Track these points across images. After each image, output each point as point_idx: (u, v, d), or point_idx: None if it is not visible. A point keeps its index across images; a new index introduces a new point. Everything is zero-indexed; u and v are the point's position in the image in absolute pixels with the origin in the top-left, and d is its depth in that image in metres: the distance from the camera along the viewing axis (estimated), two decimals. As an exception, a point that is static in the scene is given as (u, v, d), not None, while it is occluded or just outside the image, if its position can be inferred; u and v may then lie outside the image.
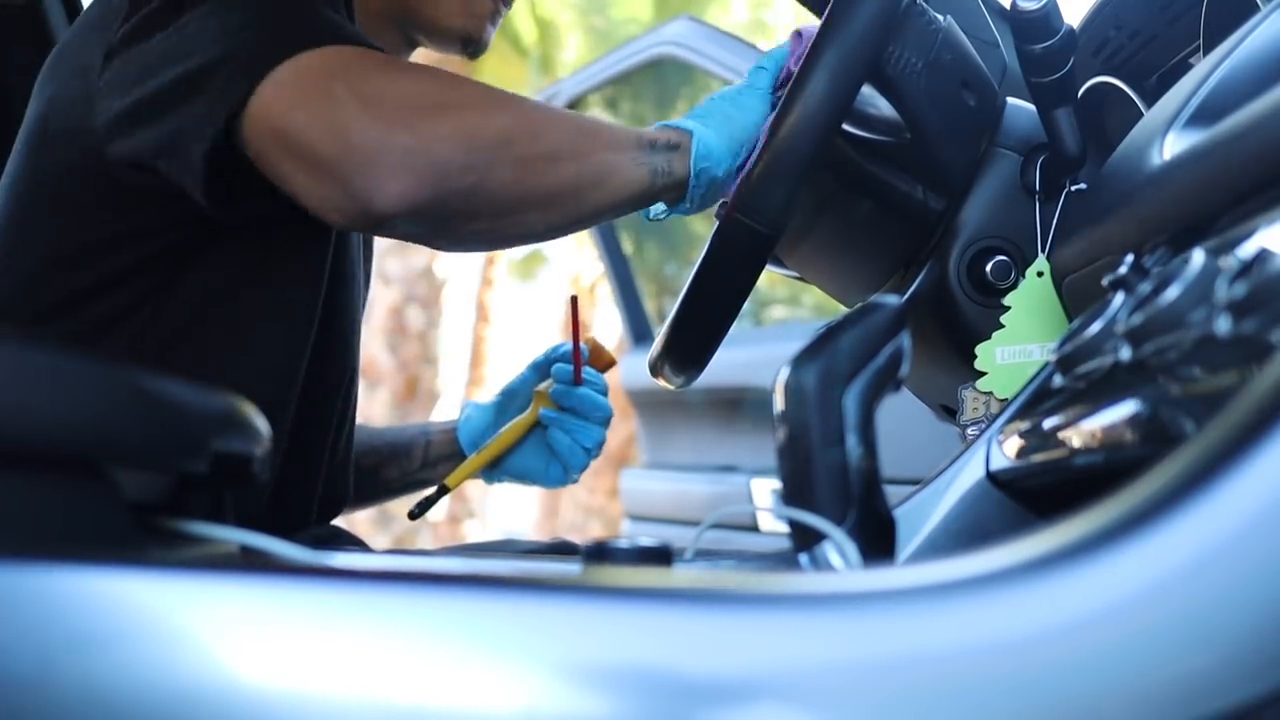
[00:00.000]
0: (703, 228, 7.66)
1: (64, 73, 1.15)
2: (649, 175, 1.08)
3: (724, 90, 1.14)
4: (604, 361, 1.39)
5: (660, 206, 1.14)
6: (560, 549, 1.29)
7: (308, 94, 0.98)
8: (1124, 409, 0.70)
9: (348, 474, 1.33)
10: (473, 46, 1.32)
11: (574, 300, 1.38)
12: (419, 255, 7.57)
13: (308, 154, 0.98)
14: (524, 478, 1.39)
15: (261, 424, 0.64)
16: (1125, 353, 0.71)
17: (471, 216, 1.04)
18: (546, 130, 1.04)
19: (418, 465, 1.47)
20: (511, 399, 1.42)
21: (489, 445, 1.37)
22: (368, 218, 0.99)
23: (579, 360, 1.35)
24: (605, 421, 1.35)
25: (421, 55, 1.40)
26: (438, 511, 8.25)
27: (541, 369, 1.41)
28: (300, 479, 1.23)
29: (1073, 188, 1.15)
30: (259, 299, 1.15)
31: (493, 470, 1.39)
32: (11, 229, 1.18)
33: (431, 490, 1.37)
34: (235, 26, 1.02)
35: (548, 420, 1.35)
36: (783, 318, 7.63)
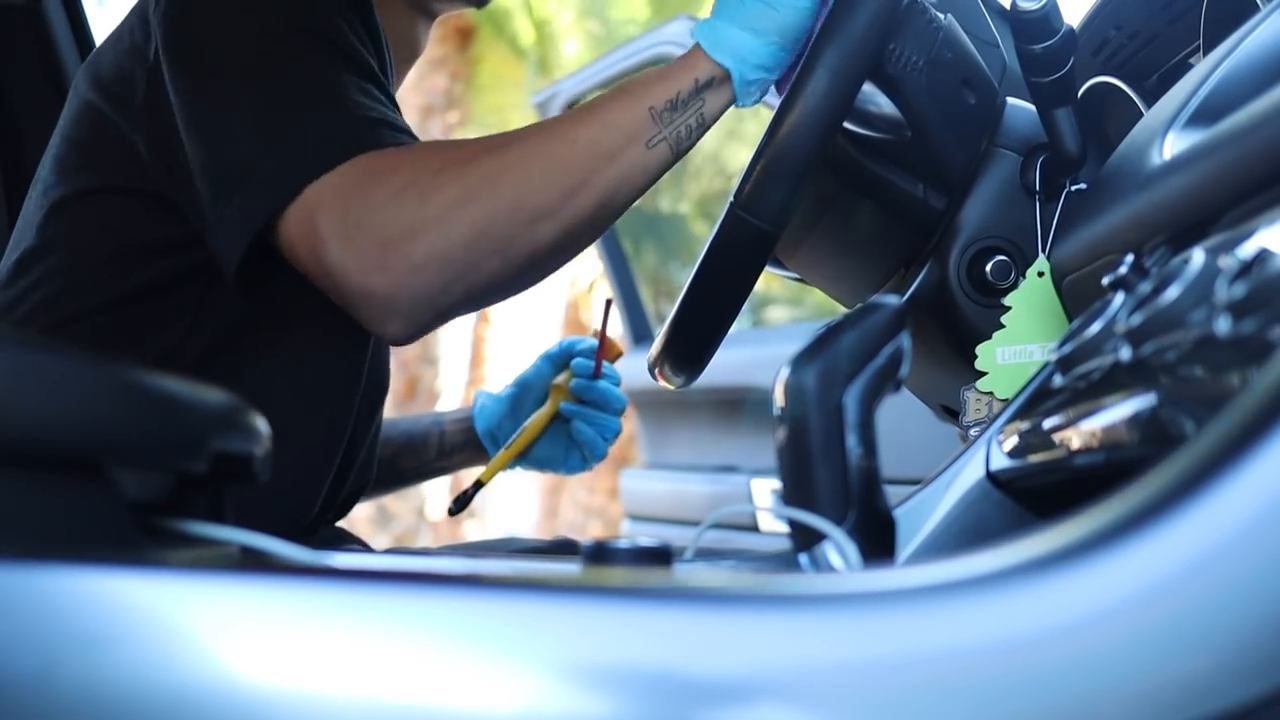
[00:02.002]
0: (703, 228, 7.66)
1: (104, 80, 1.16)
2: (670, 147, 1.07)
3: None
4: (614, 353, 1.43)
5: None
6: (560, 548, 1.29)
7: (304, 233, 1.02)
8: (1124, 409, 0.70)
9: (372, 467, 1.35)
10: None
11: (608, 303, 1.46)
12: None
13: (321, 288, 1.05)
14: (544, 466, 1.43)
15: (261, 424, 0.64)
16: (1125, 353, 0.71)
17: (488, 300, 1.09)
18: (528, 196, 1.03)
19: (433, 455, 1.50)
20: (526, 390, 1.45)
21: (516, 439, 1.40)
22: (392, 342, 1.09)
23: (601, 357, 1.39)
24: (622, 411, 1.40)
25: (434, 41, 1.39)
26: (437, 512, 8.26)
27: (556, 361, 1.44)
28: (334, 477, 1.25)
29: (1073, 188, 1.15)
30: (308, 312, 1.15)
31: (516, 460, 1.42)
32: (49, 232, 1.18)
33: (468, 487, 1.41)
34: (263, 131, 1.05)
35: (569, 413, 1.39)
36: (781, 319, 7.63)
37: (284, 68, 1.07)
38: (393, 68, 1.25)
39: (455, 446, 1.49)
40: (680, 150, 1.08)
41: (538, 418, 1.40)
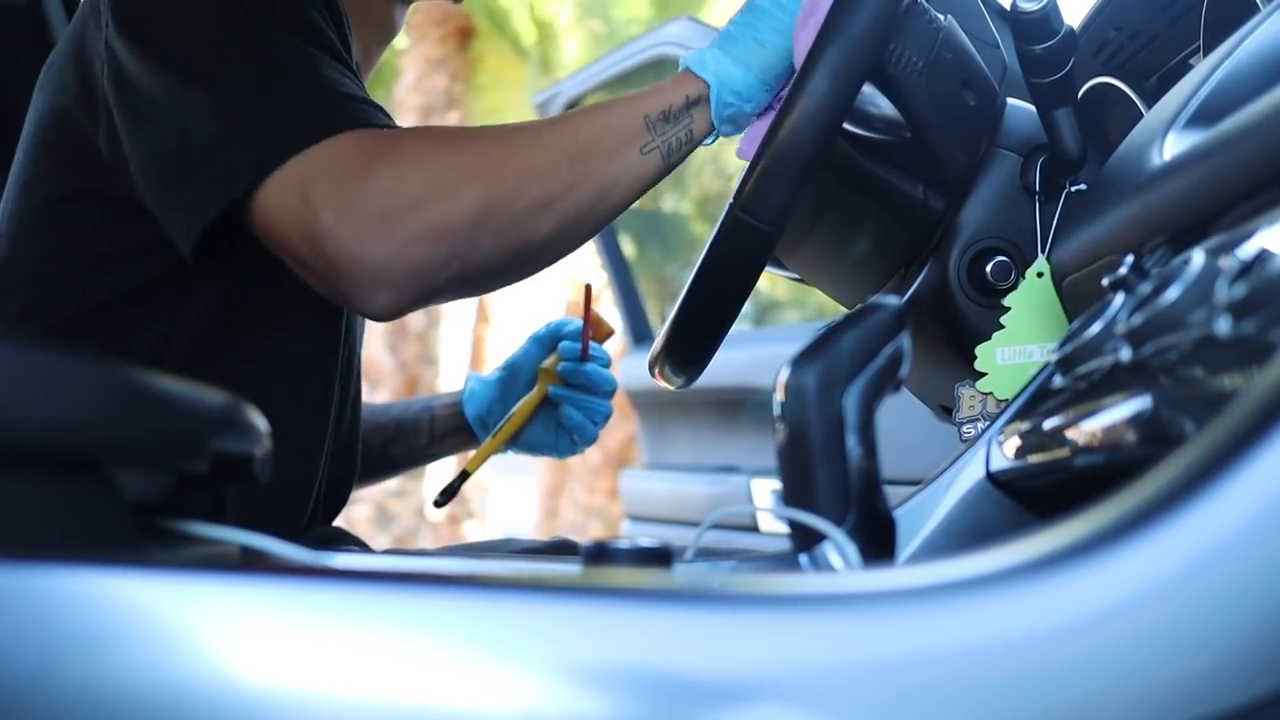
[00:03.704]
0: (704, 229, 7.66)
1: (63, 79, 1.15)
2: (662, 157, 1.09)
3: (757, 4, 1.11)
4: (604, 333, 1.41)
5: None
6: (560, 548, 1.29)
7: (291, 205, 1.00)
8: (1124, 409, 0.70)
9: (354, 456, 1.35)
10: None
11: (588, 288, 1.44)
12: (419, 255, 7.55)
13: (300, 262, 1.03)
14: (535, 450, 1.43)
15: (261, 424, 0.64)
16: (1125, 353, 0.71)
17: (476, 285, 1.08)
18: (529, 181, 1.04)
19: (424, 441, 1.50)
20: (514, 373, 1.45)
21: (504, 426, 1.39)
22: (374, 317, 1.06)
23: (587, 339, 1.38)
24: (612, 394, 1.39)
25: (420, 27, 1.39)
26: (437, 511, 8.25)
27: (544, 343, 1.43)
28: (311, 470, 1.24)
29: (1073, 188, 1.15)
30: (282, 306, 1.16)
31: (505, 445, 1.41)
32: (19, 243, 1.17)
33: (454, 478, 1.39)
34: (235, 107, 1.04)
35: (557, 397, 1.38)
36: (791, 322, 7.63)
37: (251, 45, 1.06)
38: (355, 49, 1.26)
39: (446, 432, 1.49)
40: (670, 161, 1.10)
41: (525, 403, 1.39)
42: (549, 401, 1.40)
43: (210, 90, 1.04)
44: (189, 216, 1.04)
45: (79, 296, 1.13)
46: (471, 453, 1.44)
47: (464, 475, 1.38)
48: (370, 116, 1.04)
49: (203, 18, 1.08)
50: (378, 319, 1.07)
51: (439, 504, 1.38)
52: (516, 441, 1.41)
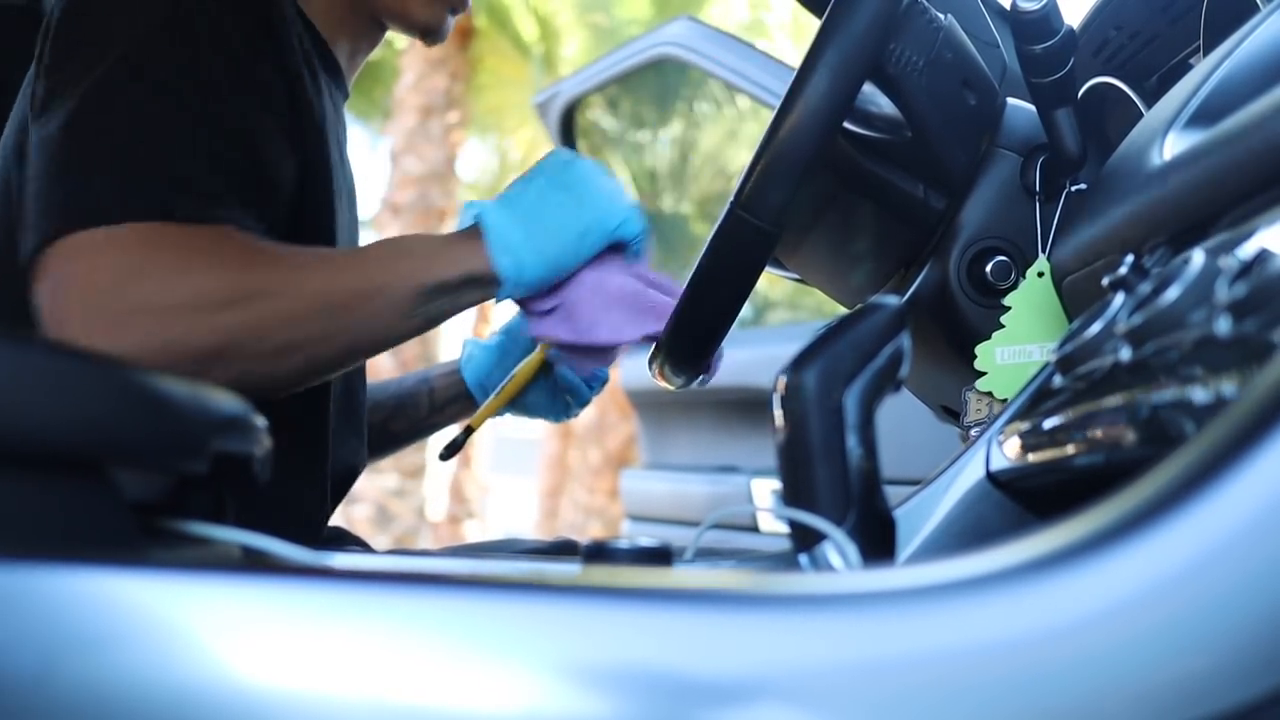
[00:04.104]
0: (703, 228, 7.66)
1: (22, 100, 1.18)
2: (424, 323, 1.10)
3: (584, 195, 1.13)
4: None
5: None
6: (560, 549, 1.30)
7: (54, 280, 1.00)
8: (1124, 409, 0.70)
9: (361, 438, 1.36)
10: (432, 36, 1.34)
11: None
12: (419, 255, 7.56)
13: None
14: (533, 412, 1.43)
15: (261, 423, 0.64)
16: (1125, 353, 0.71)
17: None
18: (279, 327, 1.02)
19: (425, 413, 1.50)
20: (513, 337, 1.44)
21: (505, 387, 1.39)
22: None
23: None
24: (609, 356, 1.37)
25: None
26: (438, 511, 8.25)
27: None
28: (318, 457, 1.25)
29: (1073, 188, 1.15)
30: None
31: (505, 407, 1.41)
32: (4, 241, 1.18)
33: (458, 433, 1.40)
34: (77, 164, 1.03)
35: (554, 358, 1.37)
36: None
37: (134, 99, 1.05)
38: (342, 52, 1.28)
39: (446, 401, 1.49)
40: (431, 325, 1.11)
41: (525, 365, 1.39)
42: (548, 364, 1.39)
43: (73, 134, 1.04)
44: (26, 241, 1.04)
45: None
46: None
47: (468, 430, 1.39)
48: (176, 206, 1.02)
49: (112, 58, 1.07)
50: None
51: (444, 457, 1.39)
52: (515, 403, 1.41)
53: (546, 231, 1.12)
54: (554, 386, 1.41)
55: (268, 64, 1.12)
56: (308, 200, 1.18)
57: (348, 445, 1.32)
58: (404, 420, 1.50)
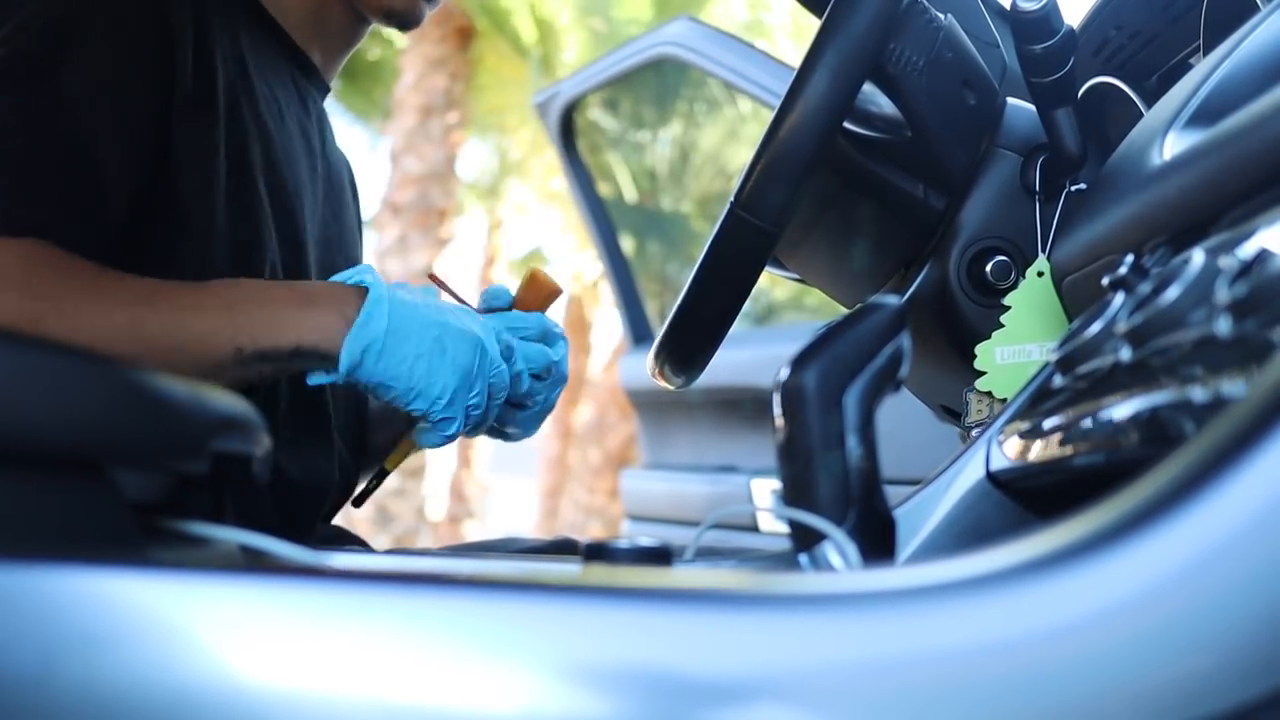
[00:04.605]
0: (703, 227, 7.66)
1: None
2: (233, 380, 1.06)
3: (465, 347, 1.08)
4: (544, 295, 1.25)
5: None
6: (560, 548, 1.29)
7: None
8: (1124, 409, 0.70)
9: (330, 458, 1.32)
10: (405, 23, 1.32)
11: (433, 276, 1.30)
12: (419, 255, 7.57)
13: None
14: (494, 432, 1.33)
15: (261, 424, 0.64)
16: (1125, 353, 0.71)
17: None
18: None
19: (405, 425, 1.42)
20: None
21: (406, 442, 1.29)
22: None
23: (523, 305, 1.25)
24: (548, 372, 1.22)
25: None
26: (438, 511, 8.25)
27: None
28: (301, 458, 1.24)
29: (1073, 188, 1.15)
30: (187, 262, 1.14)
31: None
32: None
33: (370, 478, 1.31)
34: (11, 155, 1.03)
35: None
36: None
37: (21, 104, 1.05)
38: (315, 53, 1.29)
39: None
40: (248, 383, 1.07)
41: None
42: None
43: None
44: None
45: None
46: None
47: (382, 473, 1.29)
48: (58, 229, 1.02)
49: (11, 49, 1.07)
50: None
51: (357, 504, 1.31)
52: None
53: (406, 356, 1.06)
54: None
55: (145, 74, 1.11)
56: (233, 204, 1.16)
57: (307, 463, 1.27)
58: (387, 430, 1.45)
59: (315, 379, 1.08)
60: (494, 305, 1.25)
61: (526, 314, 1.23)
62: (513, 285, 1.30)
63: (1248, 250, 0.60)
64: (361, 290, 1.08)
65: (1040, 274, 1.13)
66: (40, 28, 1.08)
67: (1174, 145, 0.87)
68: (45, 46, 1.07)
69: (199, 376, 1.02)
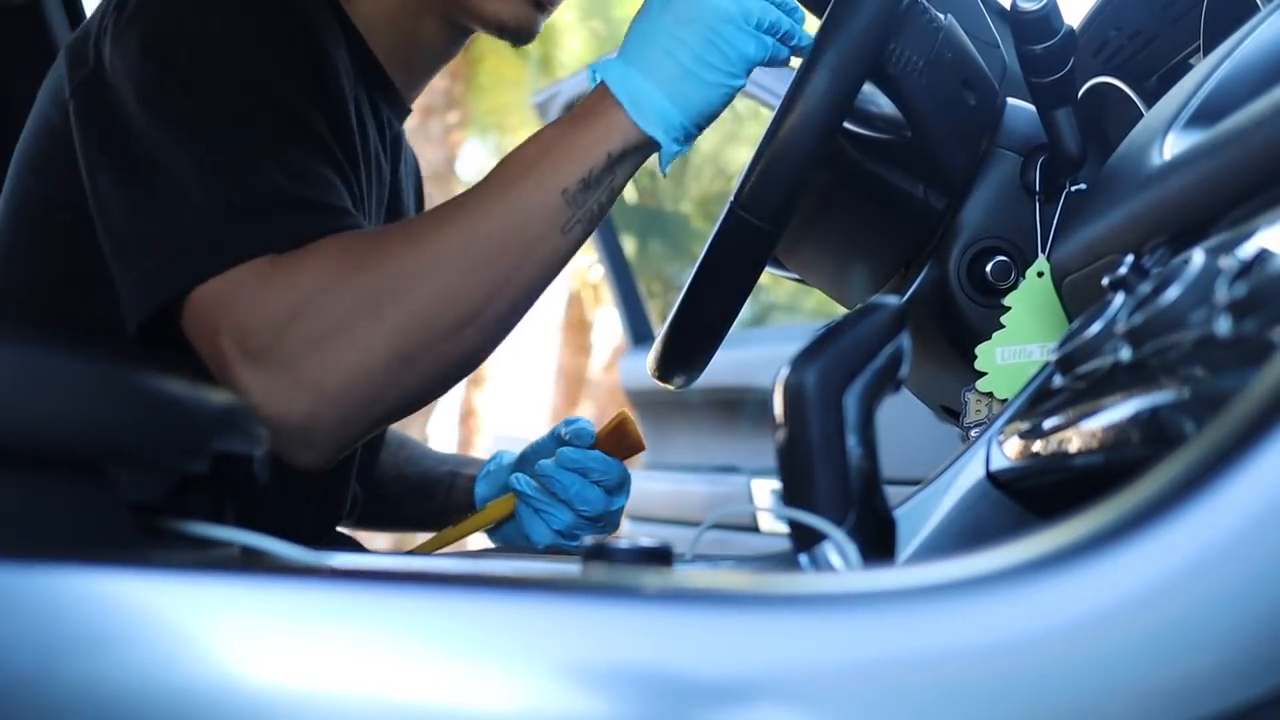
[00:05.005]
0: (704, 227, 7.66)
1: (49, 93, 1.14)
2: (586, 228, 1.01)
3: (711, 33, 1.00)
4: (626, 445, 1.27)
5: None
6: (561, 548, 1.29)
7: (209, 344, 0.96)
8: (1124, 409, 0.70)
9: (363, 478, 1.31)
10: (517, 36, 1.22)
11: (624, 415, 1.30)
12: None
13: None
14: (495, 537, 1.33)
15: (261, 424, 0.64)
16: (1125, 353, 0.71)
17: (405, 412, 1.01)
18: (443, 306, 0.96)
19: (436, 509, 1.42)
20: (526, 462, 1.33)
21: (461, 526, 1.30)
22: (303, 470, 0.99)
23: (603, 446, 1.26)
24: (580, 506, 1.23)
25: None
26: (414, 532, 8.23)
27: (560, 439, 1.29)
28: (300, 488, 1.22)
29: (1073, 188, 1.15)
30: None
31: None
32: (12, 250, 1.16)
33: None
34: (162, 211, 0.99)
35: (523, 497, 1.26)
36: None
37: (201, 132, 1.00)
38: (398, 75, 1.22)
39: (458, 506, 1.39)
40: (594, 226, 1.02)
41: (489, 509, 1.30)
42: (511, 515, 1.28)
43: (146, 180, 1.00)
44: (127, 309, 1.01)
45: (51, 320, 1.12)
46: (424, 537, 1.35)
47: (410, 555, 1.26)
48: (291, 227, 0.98)
49: (170, 89, 1.02)
50: (308, 471, 1.00)
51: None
52: (497, 535, 1.32)
53: (678, 75, 1.00)
54: (521, 533, 1.28)
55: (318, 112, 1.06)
56: None
57: (323, 492, 1.25)
58: (415, 507, 1.42)
59: (668, 163, 1.02)
60: (576, 441, 1.26)
61: (608, 459, 1.25)
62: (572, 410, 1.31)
63: (1248, 250, 0.60)
64: (599, 87, 1.02)
65: (1040, 274, 1.13)
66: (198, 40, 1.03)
67: (1174, 145, 0.87)
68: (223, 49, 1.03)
69: (554, 252, 0.99)
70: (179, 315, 0.99)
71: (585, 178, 0.99)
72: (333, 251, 0.97)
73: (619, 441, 1.27)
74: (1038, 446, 0.87)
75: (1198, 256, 0.64)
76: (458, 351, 0.98)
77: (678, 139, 1.02)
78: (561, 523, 1.24)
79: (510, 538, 1.31)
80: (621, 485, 1.26)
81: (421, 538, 1.32)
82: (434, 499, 1.42)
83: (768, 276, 1.25)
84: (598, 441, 1.26)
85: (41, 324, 1.13)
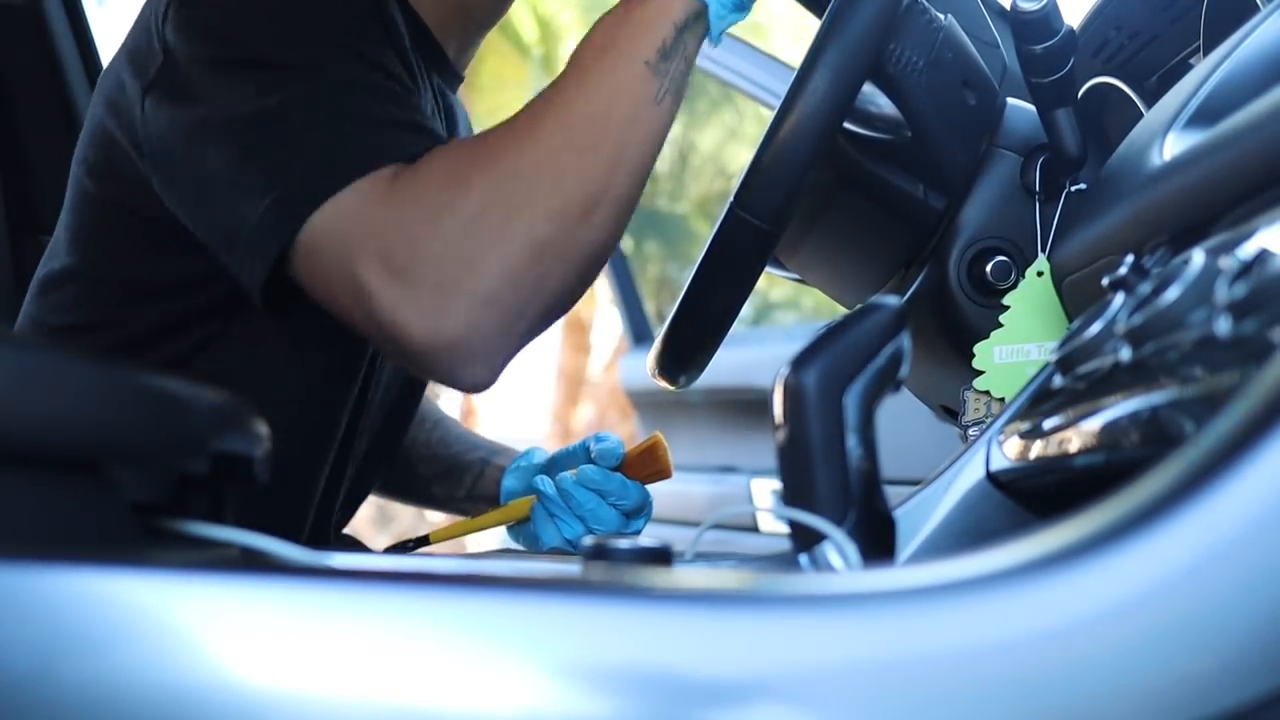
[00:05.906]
0: (704, 227, 7.66)
1: (110, 99, 1.13)
2: (674, 97, 1.01)
3: None
4: (653, 469, 1.27)
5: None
6: (561, 548, 1.29)
7: (336, 270, 0.96)
8: (1124, 409, 0.70)
9: (371, 477, 1.33)
10: None
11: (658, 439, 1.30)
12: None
13: (370, 338, 0.99)
14: (511, 535, 1.35)
15: (261, 425, 0.64)
16: (1125, 353, 0.71)
17: (558, 311, 1.01)
18: (570, 189, 0.97)
19: (462, 494, 1.43)
20: (556, 467, 1.33)
21: (480, 519, 1.31)
22: (470, 391, 1.00)
23: (630, 470, 1.27)
24: (593, 524, 1.24)
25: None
26: (437, 513, 8.24)
27: (589, 452, 1.30)
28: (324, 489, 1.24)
29: (1073, 188, 1.15)
30: (307, 343, 1.14)
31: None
32: (68, 260, 1.17)
33: (413, 539, 1.32)
34: (279, 149, 1.00)
35: (542, 499, 1.26)
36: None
37: (293, 77, 1.01)
38: (451, 43, 1.23)
39: (482, 495, 1.40)
40: (680, 97, 1.03)
41: (509, 508, 1.31)
42: (527, 517, 1.29)
43: (248, 130, 1.00)
44: (251, 265, 1.01)
45: (113, 329, 1.13)
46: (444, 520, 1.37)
47: (423, 540, 1.29)
48: (397, 143, 0.99)
49: (254, 48, 1.04)
50: (476, 392, 1.00)
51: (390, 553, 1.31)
52: (514, 533, 1.33)
53: None
54: (532, 535, 1.29)
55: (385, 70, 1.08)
56: None
57: (363, 467, 1.27)
58: (443, 489, 1.43)
59: (720, 35, 1.03)
60: (601, 461, 1.26)
61: (627, 482, 1.25)
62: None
63: (1248, 250, 0.60)
64: None
65: (1040, 274, 1.13)
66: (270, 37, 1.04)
67: (1174, 145, 0.87)
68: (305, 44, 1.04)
69: (654, 119, 1.00)
70: (298, 269, 0.99)
71: (661, 48, 1.00)
72: (445, 161, 0.98)
73: (646, 465, 1.27)
74: (1038, 447, 0.87)
75: (1198, 256, 0.64)
76: (592, 237, 0.98)
77: (728, 5, 1.02)
78: (574, 533, 1.24)
79: (530, 538, 1.31)
80: (640, 509, 1.26)
81: (439, 516, 1.32)
82: (461, 484, 1.43)
83: (768, 277, 1.25)
84: (625, 461, 1.26)
85: (96, 329, 1.14)
